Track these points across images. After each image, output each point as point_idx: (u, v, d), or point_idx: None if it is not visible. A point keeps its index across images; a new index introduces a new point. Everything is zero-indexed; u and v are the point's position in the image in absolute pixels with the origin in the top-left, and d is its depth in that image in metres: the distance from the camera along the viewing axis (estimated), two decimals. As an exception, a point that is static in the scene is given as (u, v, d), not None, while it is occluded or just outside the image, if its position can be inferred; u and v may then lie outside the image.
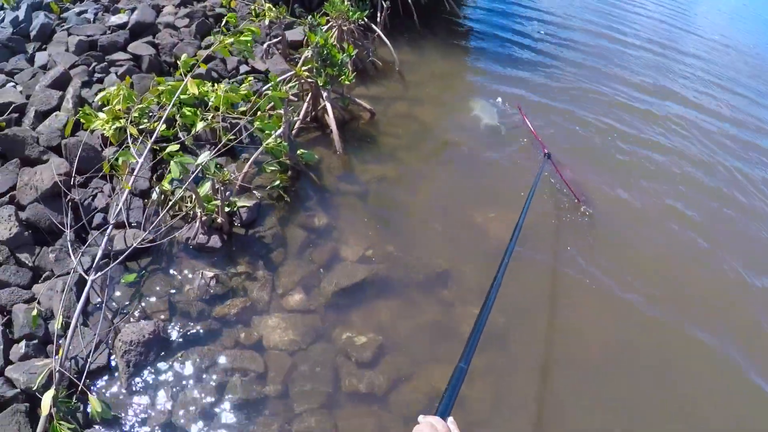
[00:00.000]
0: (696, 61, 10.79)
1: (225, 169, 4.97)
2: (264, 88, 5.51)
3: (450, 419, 1.36)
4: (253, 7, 7.46)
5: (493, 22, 10.41)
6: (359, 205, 5.09)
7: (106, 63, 6.32)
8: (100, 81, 6.21)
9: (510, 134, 6.58)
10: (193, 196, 4.49)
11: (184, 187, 4.33)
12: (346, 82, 5.55)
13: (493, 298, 2.15)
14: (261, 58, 6.75)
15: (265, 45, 6.71)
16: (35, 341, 3.77)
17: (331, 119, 5.41)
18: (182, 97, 5.23)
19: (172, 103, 5.05)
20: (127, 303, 4.09)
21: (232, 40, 5.16)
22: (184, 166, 4.06)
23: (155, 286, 4.21)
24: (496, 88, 7.70)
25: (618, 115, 7.64)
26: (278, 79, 5.33)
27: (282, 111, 4.72)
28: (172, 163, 3.98)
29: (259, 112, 4.98)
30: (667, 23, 13.18)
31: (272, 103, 4.87)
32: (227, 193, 4.48)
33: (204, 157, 4.47)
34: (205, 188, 4.50)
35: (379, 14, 7.80)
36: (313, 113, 5.79)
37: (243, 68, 6.65)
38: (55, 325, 3.71)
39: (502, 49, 9.20)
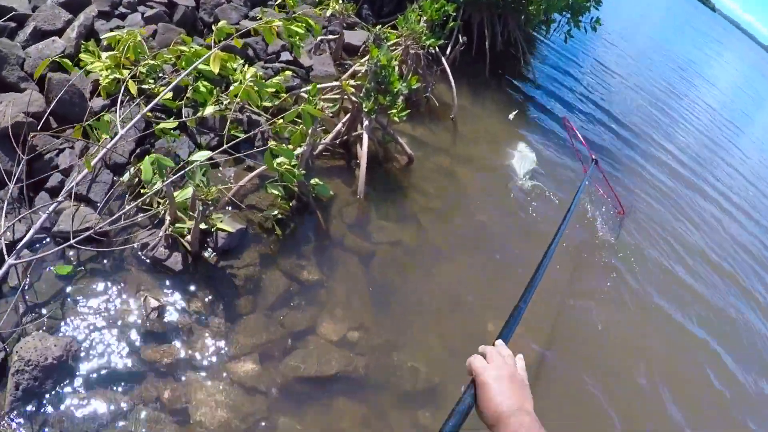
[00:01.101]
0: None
1: (218, 178, 4.08)
2: (300, 90, 4.59)
3: (499, 341, 1.46)
4: (320, -8, 6.58)
5: (560, 85, 9.61)
6: (361, 269, 4.15)
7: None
8: (122, 17, 5.34)
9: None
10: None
11: (164, 184, 3.39)
12: (395, 118, 4.63)
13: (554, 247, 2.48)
14: (309, 51, 5.84)
15: (317, 39, 5.79)
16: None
17: (363, 154, 4.49)
18: (202, 68, 4.36)
19: (187, 72, 4.16)
20: (47, 301, 3.18)
21: (280, 23, 4.26)
22: (161, 168, 3.15)
23: (88, 292, 3.30)
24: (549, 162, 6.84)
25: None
26: (318, 89, 4.42)
27: (309, 130, 3.80)
28: (145, 160, 3.07)
29: (280, 121, 4.08)
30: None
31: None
32: (209, 209, 3.55)
33: (200, 155, 3.57)
34: (185, 194, 3.58)
35: (450, 47, 6.90)
36: (345, 137, 4.87)
37: (285, 56, 5.75)
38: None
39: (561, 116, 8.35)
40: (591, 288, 5.31)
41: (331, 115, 4.97)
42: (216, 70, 4.10)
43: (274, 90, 4.26)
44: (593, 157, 6.06)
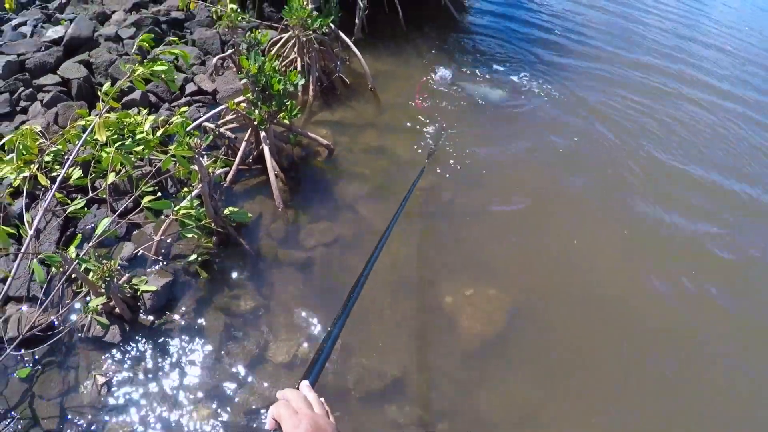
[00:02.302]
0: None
1: (142, 237, 4.22)
2: (202, 120, 4.64)
3: (304, 383, 1.31)
4: (214, 9, 6.58)
5: (496, 15, 9.25)
6: (300, 279, 4.22)
7: (32, 89, 5.61)
8: (24, 111, 5.55)
9: (502, 178, 5.55)
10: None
11: (70, 269, 3.56)
12: (285, 120, 4.63)
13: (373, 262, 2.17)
14: (210, 74, 5.90)
15: (215, 59, 5.83)
16: None
17: (269, 166, 4.52)
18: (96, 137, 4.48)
19: (75, 150, 4.29)
20: (16, 403, 3.50)
21: (141, 69, 4.33)
22: (55, 263, 3.31)
23: (49, 384, 3.60)
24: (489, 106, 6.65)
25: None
26: (209, 114, 4.47)
27: (195, 167, 3.88)
28: (34, 263, 3.22)
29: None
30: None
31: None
32: (122, 279, 3.71)
33: (101, 226, 3.72)
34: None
35: (357, 16, 6.80)
36: (256, 153, 4.92)
37: (190, 87, 5.83)
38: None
39: (501, 52, 7.97)
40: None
41: (233, 136, 5.02)
42: (102, 138, 4.22)
43: (140, 149, 4.25)
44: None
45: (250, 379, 3.64)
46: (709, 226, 5.31)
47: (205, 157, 4.21)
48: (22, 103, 5.57)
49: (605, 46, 8.91)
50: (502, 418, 3.66)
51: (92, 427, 3.41)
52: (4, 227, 3.46)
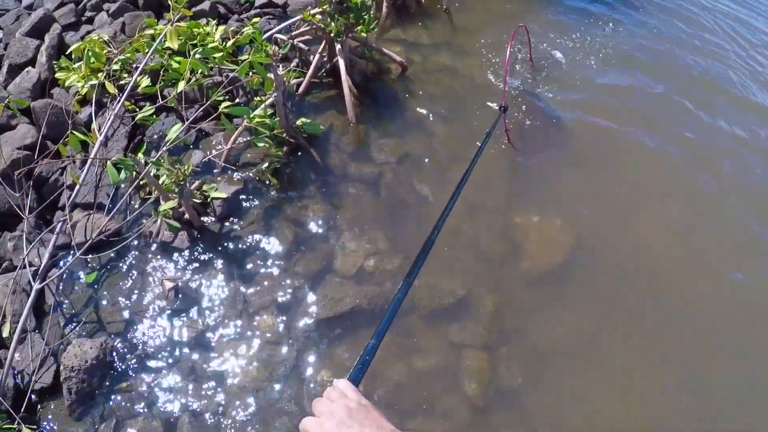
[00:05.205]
0: None
1: (210, 145, 4.43)
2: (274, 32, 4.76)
3: (341, 380, 1.31)
4: None
5: None
6: (369, 194, 4.36)
7: (98, -1, 5.84)
8: (90, 21, 5.80)
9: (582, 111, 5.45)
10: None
11: (142, 174, 3.77)
12: (363, 34, 4.71)
13: (417, 271, 1.85)
14: (282, -13, 5.99)
15: (285, -29, 5.92)
16: (-16, 345, 3.66)
17: (343, 79, 4.63)
18: (168, 45, 4.67)
19: (147, 57, 4.50)
20: (82, 308, 3.81)
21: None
22: (128, 167, 3.53)
23: (113, 290, 3.88)
24: (567, 36, 6.43)
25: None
26: (282, 26, 4.58)
27: (271, 75, 4.02)
28: (108, 165, 3.44)
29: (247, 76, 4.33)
30: None
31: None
32: (193, 185, 3.92)
33: (172, 132, 3.93)
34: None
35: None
36: (329, 66, 5.04)
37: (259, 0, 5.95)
38: (4, 332, 3.60)
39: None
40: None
41: (307, 49, 5.14)
42: (174, 46, 4.40)
43: (220, 54, 4.40)
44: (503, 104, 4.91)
45: (316, 289, 3.84)
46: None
47: (280, 66, 4.35)
48: (88, 13, 5.79)
49: None
50: (557, 346, 3.79)
51: (159, 331, 3.68)
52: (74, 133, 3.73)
